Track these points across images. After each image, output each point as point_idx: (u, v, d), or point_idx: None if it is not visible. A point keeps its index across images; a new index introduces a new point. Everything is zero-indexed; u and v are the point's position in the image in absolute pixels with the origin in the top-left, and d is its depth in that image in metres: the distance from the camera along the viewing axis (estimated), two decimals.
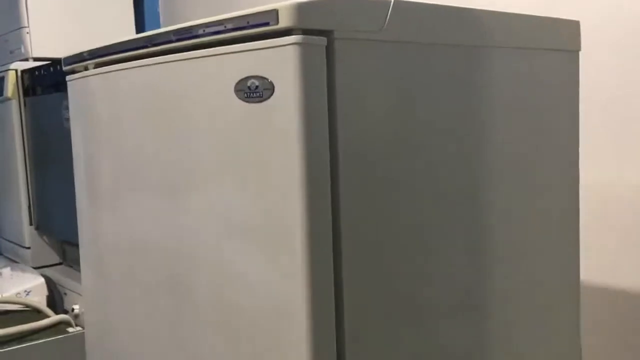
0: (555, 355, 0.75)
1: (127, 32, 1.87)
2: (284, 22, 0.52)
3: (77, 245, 0.95)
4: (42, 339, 1.27)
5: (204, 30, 0.61)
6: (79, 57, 0.84)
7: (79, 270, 1.07)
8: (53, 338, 1.28)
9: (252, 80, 0.56)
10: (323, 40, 0.53)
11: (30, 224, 1.60)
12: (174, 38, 0.65)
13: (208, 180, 0.61)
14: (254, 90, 0.56)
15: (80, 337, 1.33)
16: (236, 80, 0.57)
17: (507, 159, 0.69)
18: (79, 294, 1.44)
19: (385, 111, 0.58)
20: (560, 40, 0.76)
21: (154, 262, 0.72)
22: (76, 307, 1.45)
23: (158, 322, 0.73)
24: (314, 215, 0.52)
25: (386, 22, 0.57)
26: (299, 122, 0.52)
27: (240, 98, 0.57)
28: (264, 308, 0.56)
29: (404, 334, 0.59)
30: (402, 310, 0.59)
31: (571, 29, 0.78)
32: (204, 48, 0.61)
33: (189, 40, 0.63)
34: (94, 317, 0.93)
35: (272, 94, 0.54)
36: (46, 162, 1.55)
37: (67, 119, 1.33)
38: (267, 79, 0.54)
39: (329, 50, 0.54)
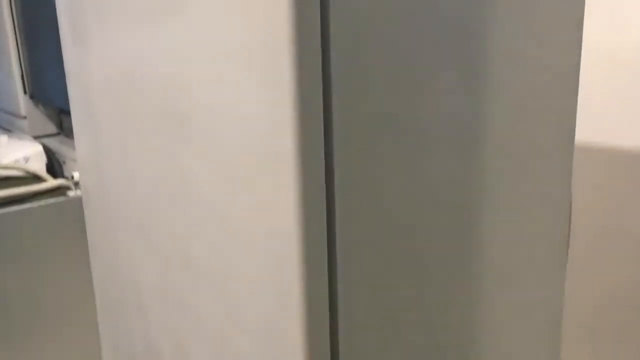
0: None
1: None
2: None
3: None
4: (42, 201, 1.29)
5: None
6: None
7: None
8: (53, 200, 1.29)
9: None
10: None
11: (25, 93, 1.57)
12: None
13: None
14: None
15: (80, 201, 1.34)
16: None
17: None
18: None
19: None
20: None
21: (147, 93, 0.70)
22: (75, 174, 1.46)
23: (153, 158, 0.72)
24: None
25: None
26: None
27: None
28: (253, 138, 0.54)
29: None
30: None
31: None
32: None
33: None
34: (89, 166, 0.93)
35: None
36: (37, 27, 1.49)
37: None
38: None
39: None
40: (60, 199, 1.30)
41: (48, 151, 1.52)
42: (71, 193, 1.32)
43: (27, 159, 1.46)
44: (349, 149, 0.53)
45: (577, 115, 0.72)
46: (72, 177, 1.45)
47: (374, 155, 0.54)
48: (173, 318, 0.75)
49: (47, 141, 1.57)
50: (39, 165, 1.47)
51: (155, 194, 0.74)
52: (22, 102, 1.58)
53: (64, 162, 1.52)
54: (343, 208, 0.53)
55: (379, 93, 0.54)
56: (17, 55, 1.56)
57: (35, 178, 1.40)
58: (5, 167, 1.40)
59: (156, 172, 0.72)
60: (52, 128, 1.63)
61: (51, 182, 1.34)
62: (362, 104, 0.53)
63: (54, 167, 1.53)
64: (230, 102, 0.56)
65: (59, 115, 1.62)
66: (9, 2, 1.53)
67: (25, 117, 1.59)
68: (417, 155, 0.57)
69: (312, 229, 0.51)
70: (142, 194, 0.77)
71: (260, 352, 0.59)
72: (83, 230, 1.18)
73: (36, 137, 1.58)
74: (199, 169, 0.64)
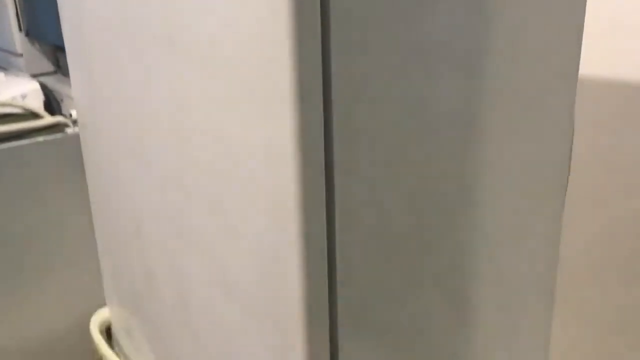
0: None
1: None
2: None
3: None
4: (40, 137, 1.30)
5: None
6: None
7: None
8: (52, 137, 1.30)
9: None
10: None
11: (20, 30, 1.56)
12: None
13: None
14: None
15: (78, 139, 1.36)
16: None
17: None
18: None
19: None
20: None
21: (141, 17, 0.70)
22: (73, 112, 1.46)
23: (148, 83, 0.73)
24: None
25: None
26: None
27: None
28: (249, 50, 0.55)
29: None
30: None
31: None
32: None
33: None
34: (85, 99, 0.94)
35: None
36: None
37: None
38: None
39: None
40: (58, 135, 1.31)
41: (45, 89, 1.52)
42: (69, 130, 1.34)
43: (24, 96, 1.46)
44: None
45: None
46: (70, 115, 1.45)
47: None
48: (170, 241, 0.78)
49: (44, 79, 1.57)
50: (36, 103, 1.48)
51: (150, 119, 0.75)
52: (18, 40, 1.57)
53: (62, 100, 1.53)
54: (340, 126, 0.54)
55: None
56: None
57: (33, 115, 1.40)
58: (3, 104, 1.40)
59: (152, 97, 0.73)
60: (49, 66, 1.63)
61: (49, 119, 1.35)
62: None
63: (52, 105, 1.54)
64: (226, 24, 0.57)
65: (55, 53, 1.62)
66: None
67: (21, 55, 1.59)
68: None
69: (309, 145, 0.52)
70: (137, 121, 0.78)
71: (255, 271, 0.61)
72: (81, 167, 1.20)
73: (33, 75, 1.58)
74: (194, 89, 0.64)
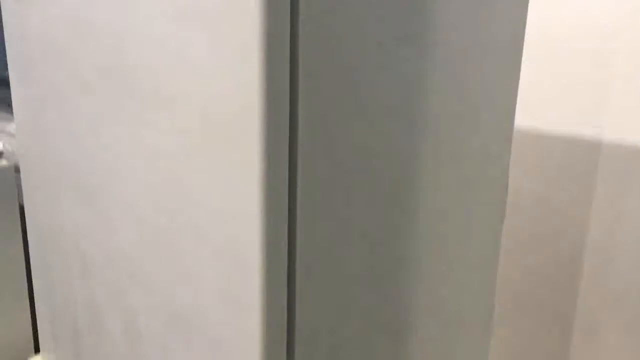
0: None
1: None
2: None
3: None
4: None
5: None
6: None
7: None
8: None
9: None
10: None
11: None
12: None
13: None
14: None
15: (6, 170, 1.28)
16: None
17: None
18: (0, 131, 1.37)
19: None
20: None
21: (94, 50, 0.67)
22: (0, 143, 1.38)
23: (98, 117, 0.70)
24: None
25: None
26: None
27: None
28: (213, 94, 0.54)
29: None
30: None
31: None
32: None
33: None
34: (28, 131, 0.89)
35: None
36: None
37: None
38: None
39: None
40: None
41: None
42: None
43: None
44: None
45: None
46: None
47: None
48: (121, 280, 0.74)
49: None
50: None
51: (101, 155, 0.72)
52: None
53: None
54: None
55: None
56: None
57: None
58: None
59: (102, 132, 0.70)
60: None
61: None
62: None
63: None
64: (179, 58, 0.56)
65: None
66: None
67: None
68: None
69: (273, 200, 0.52)
70: (86, 156, 0.75)
71: (216, 314, 0.59)
72: (11, 198, 1.13)
73: None
74: (146, 126, 0.62)
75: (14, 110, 0.90)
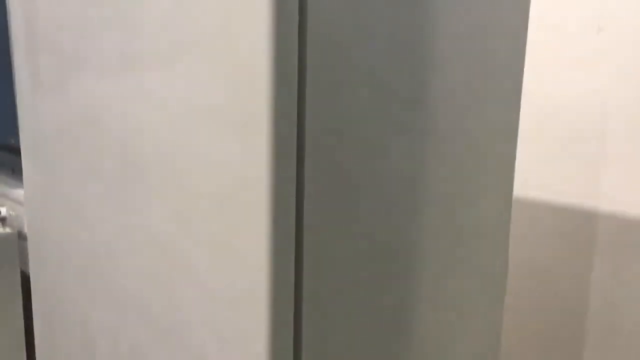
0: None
1: None
2: None
3: None
4: None
5: None
6: None
7: None
8: None
9: None
10: None
11: None
12: None
13: (163, 58, 0.60)
14: None
15: (9, 238, 1.29)
16: None
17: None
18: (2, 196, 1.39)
19: None
20: None
21: (105, 138, 0.71)
22: (2, 209, 1.40)
23: (108, 207, 0.73)
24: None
25: None
26: None
27: None
28: (221, 186, 0.56)
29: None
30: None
31: None
32: None
33: None
34: (37, 209, 0.91)
35: None
36: None
37: None
38: None
39: None
40: None
41: None
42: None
43: None
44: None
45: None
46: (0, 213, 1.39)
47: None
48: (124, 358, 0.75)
49: None
50: None
51: (110, 241, 0.74)
52: None
53: None
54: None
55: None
56: None
57: None
58: None
59: (113, 217, 0.72)
60: None
61: None
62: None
63: None
64: (192, 151, 0.58)
65: None
66: None
67: None
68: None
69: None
70: (96, 240, 0.77)
71: None
72: (13, 264, 1.14)
73: None
74: (157, 215, 0.65)
75: (24, 184, 0.92)
